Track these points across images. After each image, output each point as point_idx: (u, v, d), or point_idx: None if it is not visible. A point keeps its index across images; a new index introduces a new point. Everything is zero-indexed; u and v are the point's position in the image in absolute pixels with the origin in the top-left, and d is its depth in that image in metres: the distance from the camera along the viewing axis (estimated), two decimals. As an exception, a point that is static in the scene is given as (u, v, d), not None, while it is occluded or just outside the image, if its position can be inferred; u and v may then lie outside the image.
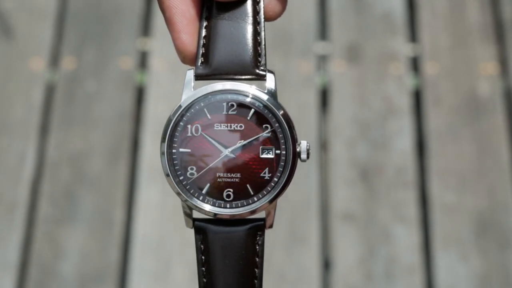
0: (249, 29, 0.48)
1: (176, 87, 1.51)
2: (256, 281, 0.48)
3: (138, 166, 1.44)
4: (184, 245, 1.37)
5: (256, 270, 0.49)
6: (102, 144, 1.46)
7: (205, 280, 0.48)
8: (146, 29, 1.59)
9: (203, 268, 0.48)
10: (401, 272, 1.34)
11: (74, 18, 1.59)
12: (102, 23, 1.58)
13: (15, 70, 1.54)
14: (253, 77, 0.49)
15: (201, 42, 0.49)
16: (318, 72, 1.53)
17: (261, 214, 0.49)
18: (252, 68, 0.48)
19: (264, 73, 0.48)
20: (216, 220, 0.49)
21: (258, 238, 0.49)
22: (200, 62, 0.49)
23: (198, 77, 0.49)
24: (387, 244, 1.36)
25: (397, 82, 1.51)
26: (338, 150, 1.44)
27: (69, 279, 1.35)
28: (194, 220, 0.50)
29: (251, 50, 0.48)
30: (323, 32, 1.57)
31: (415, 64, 1.54)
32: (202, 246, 0.49)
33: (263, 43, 0.49)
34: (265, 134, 0.48)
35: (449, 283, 1.33)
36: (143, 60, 1.56)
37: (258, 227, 0.48)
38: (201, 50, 0.49)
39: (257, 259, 0.49)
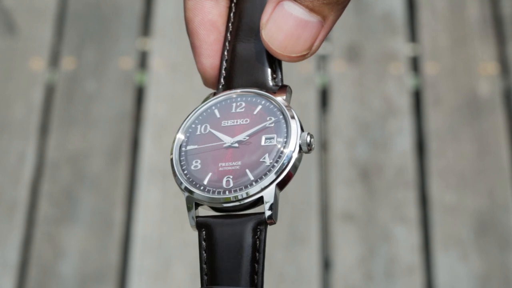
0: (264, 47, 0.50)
1: (176, 87, 1.51)
2: (256, 276, 0.48)
3: (138, 166, 1.44)
4: (184, 245, 1.37)
5: (256, 265, 0.48)
6: (102, 144, 1.46)
7: (206, 277, 0.48)
8: (146, 29, 1.59)
9: (205, 266, 0.48)
10: (401, 272, 1.34)
11: (74, 18, 1.59)
12: (102, 23, 1.58)
13: (15, 70, 1.54)
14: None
15: (223, 66, 0.52)
16: (318, 72, 1.53)
17: (262, 209, 0.49)
18: (267, 85, 0.51)
19: (277, 87, 0.51)
20: (218, 215, 0.49)
21: (259, 232, 0.48)
22: (221, 85, 0.52)
23: None
24: (387, 244, 1.36)
25: (397, 82, 1.51)
26: (338, 150, 1.44)
27: (69, 279, 1.35)
28: (197, 217, 0.50)
29: (266, 68, 0.51)
30: (323, 32, 1.57)
31: (415, 64, 1.54)
32: (204, 243, 0.49)
33: (277, 60, 0.51)
34: (268, 124, 0.49)
35: (449, 283, 1.33)
36: (143, 60, 1.56)
37: (258, 222, 0.48)
38: (223, 74, 0.52)
39: (257, 254, 0.48)
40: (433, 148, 1.44)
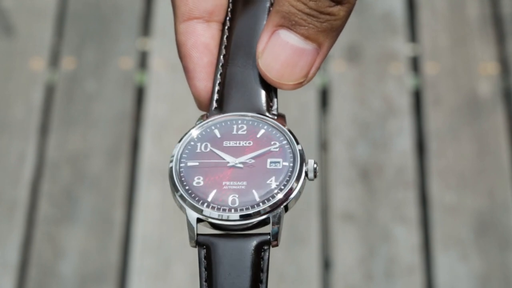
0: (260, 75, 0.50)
1: (176, 87, 1.51)
2: None
3: (138, 166, 1.44)
4: (184, 245, 1.37)
5: (260, 285, 0.48)
6: (102, 144, 1.46)
7: None
8: (146, 29, 1.59)
9: (205, 283, 0.48)
10: (401, 272, 1.34)
11: (74, 18, 1.59)
12: (102, 23, 1.58)
13: (15, 70, 1.54)
14: None
15: (216, 89, 0.51)
16: (318, 72, 1.53)
17: (266, 229, 0.49)
18: (264, 113, 0.51)
19: (274, 116, 0.51)
20: (220, 233, 0.49)
21: (262, 252, 0.48)
22: (214, 107, 0.51)
23: None
24: (387, 244, 1.36)
25: (397, 82, 1.51)
26: (338, 150, 1.44)
27: (69, 279, 1.35)
28: (198, 235, 0.49)
29: (262, 95, 0.51)
30: (323, 32, 1.57)
31: (415, 64, 1.54)
32: (205, 261, 0.49)
33: (273, 88, 0.51)
34: (273, 148, 0.49)
35: (449, 283, 1.33)
36: (143, 60, 1.56)
37: (262, 242, 0.48)
38: (216, 96, 0.51)
39: (261, 274, 0.48)
40: (433, 148, 1.44)
